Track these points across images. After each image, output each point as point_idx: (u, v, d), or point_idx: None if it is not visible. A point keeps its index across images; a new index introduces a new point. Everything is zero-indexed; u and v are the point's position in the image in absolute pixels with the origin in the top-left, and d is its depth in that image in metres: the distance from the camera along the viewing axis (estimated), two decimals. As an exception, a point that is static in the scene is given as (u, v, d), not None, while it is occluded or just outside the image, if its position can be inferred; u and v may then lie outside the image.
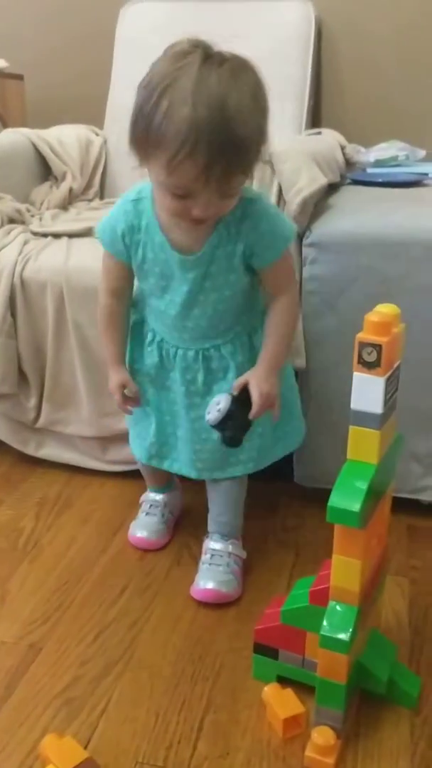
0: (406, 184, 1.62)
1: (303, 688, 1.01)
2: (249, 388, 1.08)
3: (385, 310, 0.85)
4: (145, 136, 0.92)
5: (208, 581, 1.22)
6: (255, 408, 1.07)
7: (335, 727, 0.93)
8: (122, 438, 1.54)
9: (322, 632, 0.90)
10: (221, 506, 1.28)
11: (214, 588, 1.21)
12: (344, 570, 0.89)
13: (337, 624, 0.89)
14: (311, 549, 1.36)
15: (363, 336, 0.82)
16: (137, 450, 1.31)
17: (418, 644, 1.13)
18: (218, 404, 1.06)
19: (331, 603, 0.91)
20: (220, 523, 1.29)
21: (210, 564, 1.25)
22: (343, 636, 0.88)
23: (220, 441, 1.09)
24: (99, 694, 1.04)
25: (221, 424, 1.06)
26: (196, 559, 1.32)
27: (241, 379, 1.10)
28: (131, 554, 1.34)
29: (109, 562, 1.32)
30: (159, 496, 1.40)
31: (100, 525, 1.43)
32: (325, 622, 0.90)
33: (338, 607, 0.91)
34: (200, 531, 1.40)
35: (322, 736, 0.91)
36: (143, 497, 1.42)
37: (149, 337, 1.20)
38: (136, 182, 1.91)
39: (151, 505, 1.39)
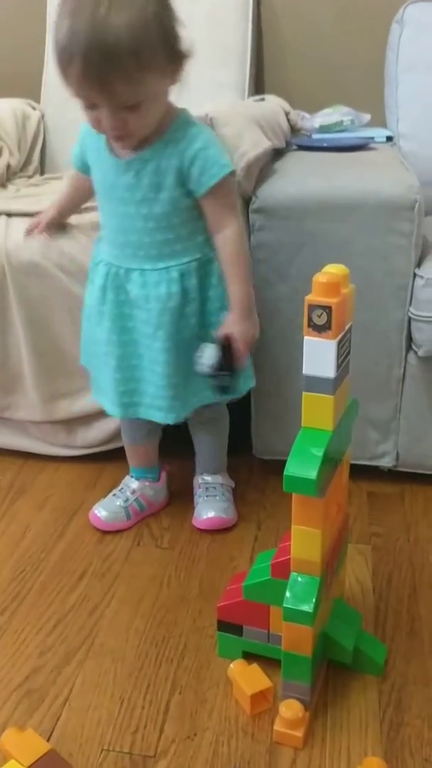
0: (352, 148, 1.59)
1: (270, 662, 0.99)
2: (230, 336, 1.12)
3: (333, 270, 0.82)
4: (55, 58, 0.98)
5: (208, 510, 1.31)
6: (238, 356, 1.12)
7: (303, 699, 0.91)
8: (77, 421, 1.50)
9: (284, 605, 0.88)
10: (207, 454, 1.36)
11: (216, 515, 1.30)
12: (304, 540, 0.87)
13: (299, 596, 0.87)
14: (273, 522, 1.34)
15: (312, 298, 0.79)
16: (107, 404, 1.25)
17: (382, 610, 1.12)
18: (205, 357, 1.11)
19: (293, 575, 0.89)
20: (208, 466, 1.37)
21: (207, 496, 1.34)
22: (306, 608, 0.86)
23: (213, 389, 1.16)
24: (60, 684, 1.00)
25: (212, 376, 1.12)
26: (156, 539, 1.30)
27: (223, 328, 1.13)
28: (89, 538, 1.30)
29: (67, 548, 1.28)
30: (134, 483, 1.36)
31: (56, 510, 1.39)
32: (287, 595, 0.88)
33: (300, 579, 0.89)
34: (160, 512, 1.38)
35: (289, 709, 0.90)
36: (123, 479, 1.39)
37: (97, 259, 1.19)
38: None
39: (121, 488, 1.36)
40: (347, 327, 0.85)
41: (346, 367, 0.87)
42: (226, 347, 1.11)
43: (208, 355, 1.11)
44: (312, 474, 0.80)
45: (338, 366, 0.82)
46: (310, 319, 0.80)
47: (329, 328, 0.79)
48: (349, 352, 0.87)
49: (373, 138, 1.70)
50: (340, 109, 1.83)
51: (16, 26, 2.07)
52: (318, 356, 0.81)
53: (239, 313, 1.12)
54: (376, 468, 1.43)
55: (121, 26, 0.91)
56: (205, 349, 1.12)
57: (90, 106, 0.99)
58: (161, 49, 0.96)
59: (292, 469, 0.81)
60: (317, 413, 0.84)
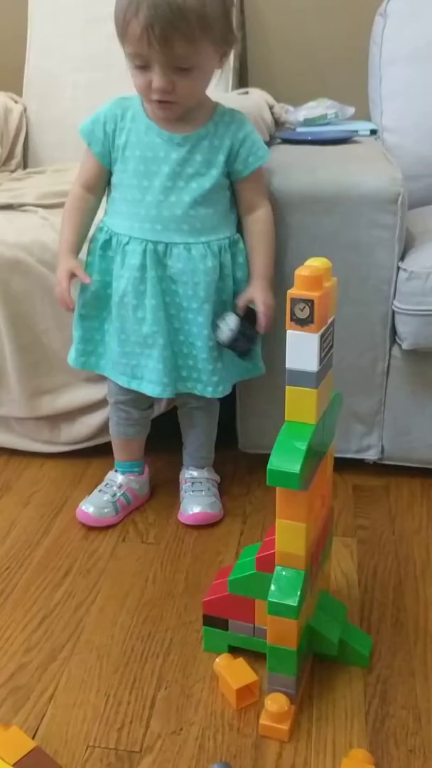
0: (336, 141, 1.59)
1: (256, 656, 0.99)
2: (251, 305, 1.19)
3: (315, 263, 0.82)
4: (115, 19, 1.05)
5: (194, 505, 1.31)
6: (264, 321, 1.18)
7: (288, 693, 0.91)
8: (61, 417, 1.49)
9: (269, 598, 0.88)
10: (197, 443, 1.37)
11: (202, 510, 1.30)
12: (289, 534, 0.87)
13: (284, 589, 0.87)
14: (258, 517, 1.34)
15: (294, 291, 0.79)
16: (149, 387, 1.22)
17: (368, 603, 1.13)
18: (228, 324, 1.17)
19: (278, 568, 0.89)
20: (196, 457, 1.38)
21: (193, 491, 1.34)
22: (290, 601, 0.86)
23: (235, 355, 1.21)
24: (46, 681, 1.00)
25: (233, 342, 1.17)
26: (141, 535, 1.30)
27: (245, 297, 1.20)
28: (75, 534, 1.30)
29: (52, 544, 1.27)
30: (119, 477, 1.36)
31: (41, 507, 1.38)
32: (272, 588, 0.88)
33: (284, 572, 0.89)
34: (145, 506, 1.37)
35: (275, 703, 0.90)
36: (107, 475, 1.39)
37: (125, 240, 1.17)
38: (60, 151, 1.86)
39: (107, 483, 1.36)
40: (330, 320, 0.85)
41: (329, 361, 0.87)
42: (247, 314, 1.18)
43: (230, 322, 1.17)
44: (295, 467, 0.80)
45: (321, 359, 0.82)
46: (292, 313, 0.80)
47: (312, 321, 0.79)
48: (332, 346, 0.87)
49: (357, 131, 1.69)
50: (324, 102, 1.83)
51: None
52: (301, 350, 0.81)
53: (263, 282, 1.19)
54: (361, 461, 1.43)
55: None
56: (226, 316, 1.18)
57: (143, 65, 1.05)
58: (221, 22, 1.05)
59: (275, 462, 0.81)
60: (300, 407, 0.84)
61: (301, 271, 0.79)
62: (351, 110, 1.81)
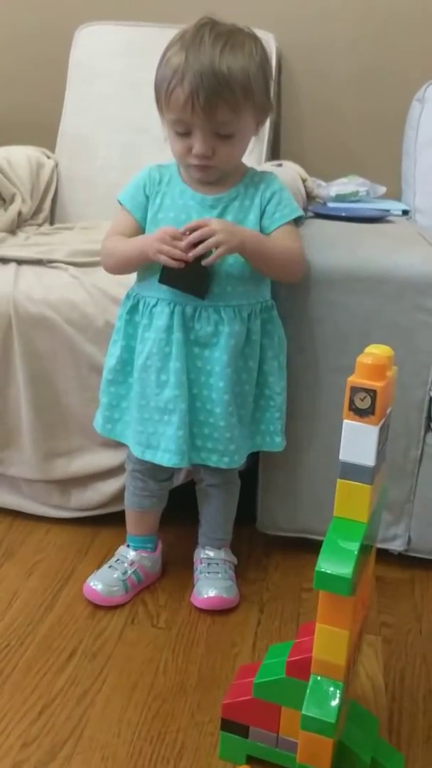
0: (370, 219, 1.58)
1: (276, 769, 0.90)
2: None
3: (377, 351, 0.77)
4: (156, 87, 1.08)
5: (209, 589, 1.23)
6: (194, 223, 1.06)
7: None
8: (72, 481, 1.42)
9: (304, 712, 0.80)
10: (214, 523, 1.30)
11: (217, 594, 1.22)
12: (329, 641, 0.79)
13: (321, 703, 0.79)
14: (276, 605, 1.26)
15: (356, 380, 0.74)
16: (165, 456, 1.16)
17: (396, 712, 1.04)
18: None
19: (313, 677, 0.81)
20: (212, 538, 1.30)
21: (208, 573, 1.26)
22: (328, 718, 0.78)
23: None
24: (44, 783, 0.91)
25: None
26: (152, 617, 1.21)
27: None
28: (81, 611, 1.21)
29: (56, 622, 1.19)
30: (131, 554, 1.28)
31: (46, 577, 1.30)
32: (307, 700, 0.80)
33: (321, 683, 0.81)
34: (156, 586, 1.29)
35: None
36: (117, 549, 1.31)
37: (152, 303, 1.14)
38: (88, 209, 1.84)
39: (118, 559, 1.28)
40: (389, 411, 0.80)
41: (384, 454, 0.81)
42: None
43: None
44: (347, 572, 0.73)
45: (378, 453, 0.76)
46: (351, 402, 0.74)
47: (372, 413, 0.74)
48: (387, 438, 0.82)
49: (389, 210, 1.69)
50: (355, 179, 1.83)
51: (37, 80, 2.06)
52: (357, 442, 0.75)
53: (245, 229, 1.10)
54: (385, 551, 1.36)
55: (235, 64, 1.03)
56: None
57: (185, 132, 1.07)
58: (262, 91, 1.08)
59: (325, 565, 0.74)
60: (352, 503, 0.77)
61: (364, 359, 0.74)
62: (382, 189, 1.81)
